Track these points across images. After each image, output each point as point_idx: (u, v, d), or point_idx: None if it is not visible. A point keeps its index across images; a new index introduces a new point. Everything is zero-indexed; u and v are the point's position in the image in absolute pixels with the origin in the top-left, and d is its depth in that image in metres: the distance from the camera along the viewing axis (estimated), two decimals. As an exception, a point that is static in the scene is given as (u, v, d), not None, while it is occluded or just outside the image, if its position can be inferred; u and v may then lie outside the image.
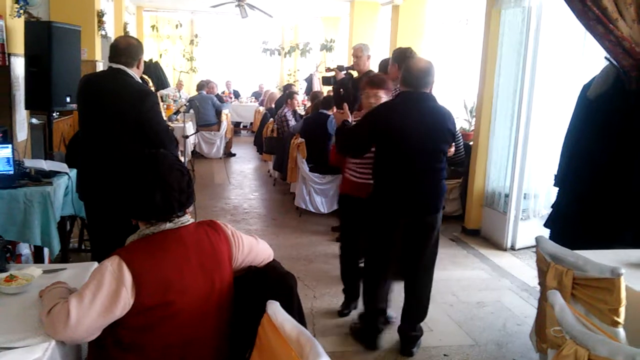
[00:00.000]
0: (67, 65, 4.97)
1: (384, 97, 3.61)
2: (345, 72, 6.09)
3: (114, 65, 3.37)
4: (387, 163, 3.34)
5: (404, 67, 3.39)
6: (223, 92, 13.42)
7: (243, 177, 9.25)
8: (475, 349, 3.60)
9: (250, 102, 14.22)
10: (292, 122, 8.04)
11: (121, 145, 3.25)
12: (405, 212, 3.37)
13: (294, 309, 1.97)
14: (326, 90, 8.99)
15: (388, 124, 3.26)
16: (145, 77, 3.50)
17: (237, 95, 14.76)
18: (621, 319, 2.15)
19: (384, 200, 3.38)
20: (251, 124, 13.48)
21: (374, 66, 5.76)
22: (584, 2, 3.47)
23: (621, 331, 2.15)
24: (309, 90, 11.65)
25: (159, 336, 1.89)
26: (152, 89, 3.94)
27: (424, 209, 3.38)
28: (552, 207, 4.09)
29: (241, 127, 14.69)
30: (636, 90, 3.52)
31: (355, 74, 5.89)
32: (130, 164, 2.02)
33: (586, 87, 3.80)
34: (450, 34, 8.48)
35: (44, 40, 4.73)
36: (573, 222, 3.74)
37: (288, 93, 9.01)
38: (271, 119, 9.15)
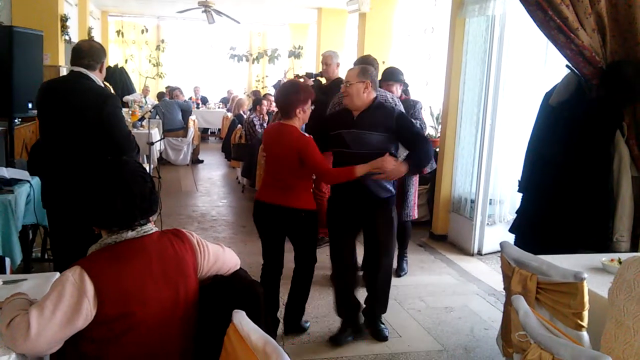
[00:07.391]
0: (29, 71, 4.87)
1: None
2: (314, 79, 6.10)
3: (75, 69, 3.30)
4: None
5: None
6: (190, 98, 13.29)
7: (211, 184, 9.17)
8: (443, 354, 3.63)
9: (218, 108, 14.13)
10: (260, 129, 8.01)
11: (82, 151, 3.19)
12: None
13: (261, 318, 1.96)
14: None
15: None
16: (107, 83, 3.43)
17: (204, 101, 14.65)
18: (585, 322, 2.19)
19: None
20: (219, 130, 13.39)
21: (342, 73, 5.77)
22: (546, 12, 3.56)
23: (585, 335, 2.19)
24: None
25: (122, 348, 1.86)
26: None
27: None
28: (516, 212, 4.16)
29: (209, 133, 14.59)
30: (596, 97, 3.61)
31: (324, 80, 5.91)
32: (91, 170, 1.99)
33: (548, 95, 3.88)
34: (417, 42, 8.59)
35: (5, 45, 4.64)
36: (537, 227, 3.80)
37: (256, 99, 8.97)
38: (239, 125, 9.11)
